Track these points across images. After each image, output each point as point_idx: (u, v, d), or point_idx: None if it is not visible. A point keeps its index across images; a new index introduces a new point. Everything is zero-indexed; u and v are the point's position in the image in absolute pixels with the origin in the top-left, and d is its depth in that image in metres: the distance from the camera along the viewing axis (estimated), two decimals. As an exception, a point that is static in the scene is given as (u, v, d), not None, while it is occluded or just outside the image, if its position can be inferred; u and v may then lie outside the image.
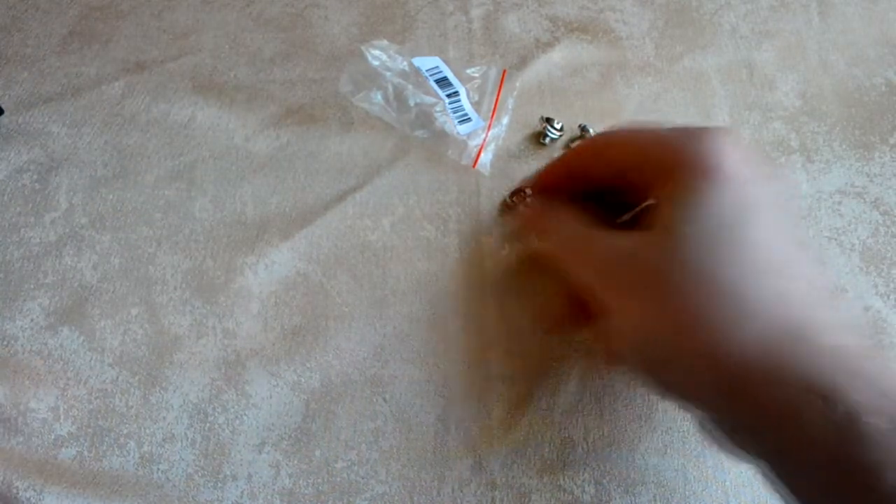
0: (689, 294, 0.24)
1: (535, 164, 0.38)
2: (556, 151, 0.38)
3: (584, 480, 0.30)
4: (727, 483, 0.29)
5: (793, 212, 0.26)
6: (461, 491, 0.29)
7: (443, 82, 0.38)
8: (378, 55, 0.38)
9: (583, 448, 0.30)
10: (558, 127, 0.38)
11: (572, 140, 0.38)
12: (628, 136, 0.28)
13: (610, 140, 0.29)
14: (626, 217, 0.31)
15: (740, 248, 0.23)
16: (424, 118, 0.38)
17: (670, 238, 0.25)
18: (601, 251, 0.27)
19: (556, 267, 0.30)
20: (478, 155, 0.37)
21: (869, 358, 0.22)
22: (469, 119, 0.37)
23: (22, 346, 0.32)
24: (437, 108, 0.37)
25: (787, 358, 0.22)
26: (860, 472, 0.20)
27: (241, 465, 0.30)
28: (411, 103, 0.38)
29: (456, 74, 0.38)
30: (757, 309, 0.23)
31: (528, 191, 0.35)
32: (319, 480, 0.30)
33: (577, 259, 0.28)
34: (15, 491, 0.29)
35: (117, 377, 0.31)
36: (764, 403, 0.22)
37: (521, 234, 0.33)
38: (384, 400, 0.31)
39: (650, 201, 0.29)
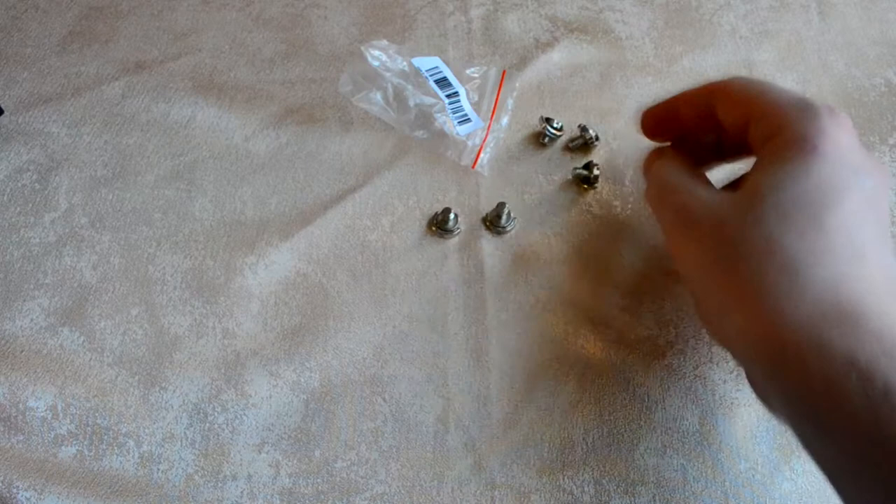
0: (756, 262, 0.25)
1: (534, 164, 0.38)
2: (555, 152, 0.38)
3: (583, 480, 0.30)
4: (727, 483, 0.29)
5: (881, 207, 0.27)
6: (461, 491, 0.29)
7: (442, 82, 0.38)
8: (378, 55, 0.38)
9: (582, 448, 0.30)
10: (558, 127, 0.38)
11: (572, 140, 0.38)
12: (751, 93, 0.28)
13: (737, 91, 0.29)
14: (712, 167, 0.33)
15: (816, 228, 0.24)
16: (424, 119, 0.38)
17: (754, 202, 0.25)
18: (690, 199, 0.28)
19: (652, 210, 0.31)
20: (477, 155, 0.37)
21: None
22: (469, 119, 0.38)
23: (21, 345, 0.32)
24: (437, 109, 0.37)
25: (833, 335, 0.23)
26: (888, 443, 0.21)
27: (241, 464, 0.30)
28: (411, 104, 0.38)
29: (456, 75, 0.38)
30: (816, 287, 0.24)
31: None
32: (319, 480, 0.30)
33: (665, 203, 0.30)
34: (15, 490, 0.29)
35: (116, 377, 0.31)
36: (806, 375, 0.24)
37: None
38: (384, 400, 0.31)
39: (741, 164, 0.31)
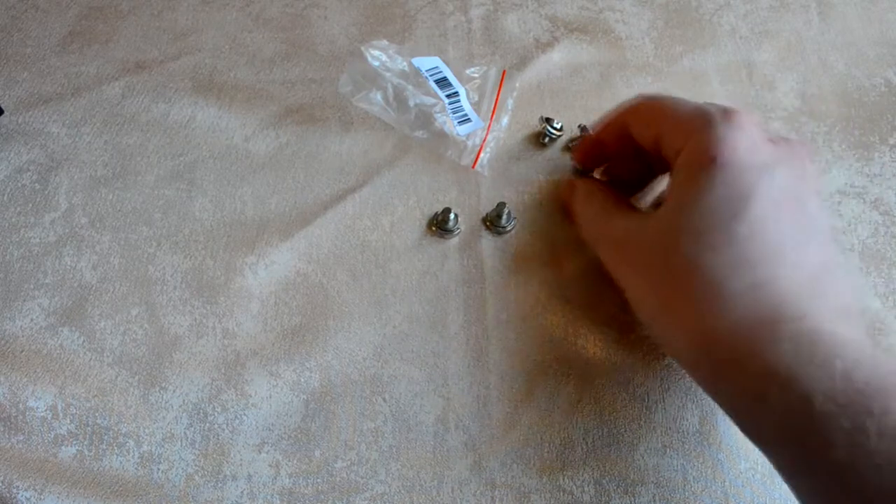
0: (681, 280, 0.25)
1: (534, 164, 0.38)
2: (555, 152, 0.38)
3: (583, 480, 0.30)
4: (727, 483, 0.29)
5: (801, 196, 0.26)
6: (461, 491, 0.29)
7: (442, 83, 0.38)
8: (378, 55, 0.38)
9: (582, 448, 0.30)
10: (558, 127, 0.38)
11: (572, 140, 0.38)
12: (658, 110, 0.29)
13: (645, 110, 0.30)
14: (643, 197, 0.35)
15: (727, 241, 0.25)
16: (424, 119, 0.38)
17: (669, 226, 0.26)
18: (615, 229, 0.29)
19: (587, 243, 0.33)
20: (477, 155, 0.37)
21: (829, 344, 0.23)
22: (469, 119, 0.38)
23: (21, 345, 0.32)
24: (437, 109, 0.37)
25: (752, 346, 0.23)
26: (812, 451, 0.22)
27: (241, 465, 0.30)
28: (411, 104, 0.38)
29: (456, 75, 0.38)
30: (736, 298, 0.24)
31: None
32: (319, 480, 0.30)
33: (596, 236, 0.31)
34: (15, 490, 0.29)
35: (116, 377, 0.31)
36: (733, 387, 0.24)
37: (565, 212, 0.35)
38: (384, 400, 0.31)
39: (661, 181, 0.33)
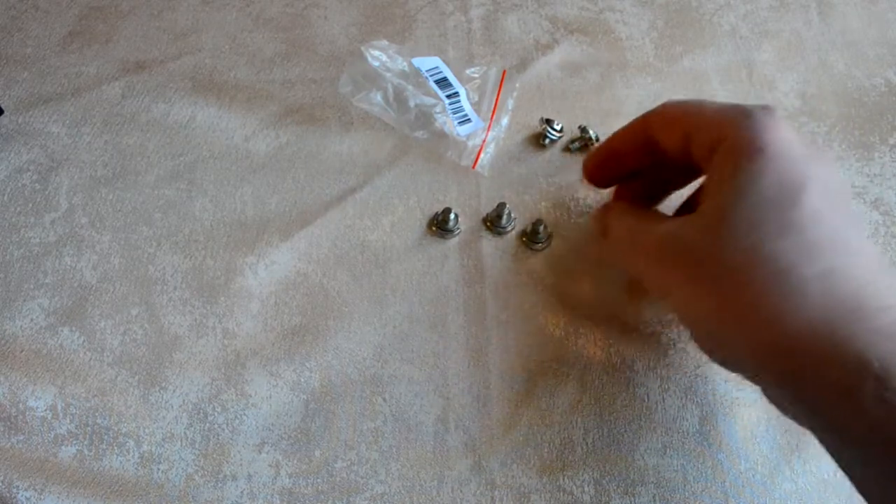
0: (741, 274, 0.24)
1: (534, 165, 0.38)
2: (555, 153, 0.38)
3: (583, 480, 0.30)
4: (727, 483, 0.29)
5: (843, 193, 0.26)
6: (461, 491, 0.29)
7: (442, 83, 0.38)
8: (378, 55, 0.38)
9: (582, 448, 0.30)
10: (558, 128, 0.38)
11: (572, 142, 0.38)
12: (686, 109, 0.28)
13: (672, 111, 0.29)
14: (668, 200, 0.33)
15: (789, 226, 0.23)
16: (424, 119, 0.38)
17: (719, 219, 0.25)
18: (655, 239, 0.27)
19: (619, 264, 0.31)
20: (477, 156, 0.37)
21: None
22: (469, 120, 0.38)
23: (21, 345, 0.32)
24: (437, 109, 0.37)
25: (841, 336, 0.22)
26: None
27: (241, 464, 0.30)
28: (411, 104, 0.38)
29: (456, 75, 0.38)
30: (810, 286, 0.23)
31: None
32: (319, 480, 0.30)
33: (633, 250, 0.29)
34: (15, 490, 0.29)
35: (116, 377, 0.31)
36: (819, 381, 0.23)
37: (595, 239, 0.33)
38: (384, 400, 0.31)
39: (697, 181, 0.31)
